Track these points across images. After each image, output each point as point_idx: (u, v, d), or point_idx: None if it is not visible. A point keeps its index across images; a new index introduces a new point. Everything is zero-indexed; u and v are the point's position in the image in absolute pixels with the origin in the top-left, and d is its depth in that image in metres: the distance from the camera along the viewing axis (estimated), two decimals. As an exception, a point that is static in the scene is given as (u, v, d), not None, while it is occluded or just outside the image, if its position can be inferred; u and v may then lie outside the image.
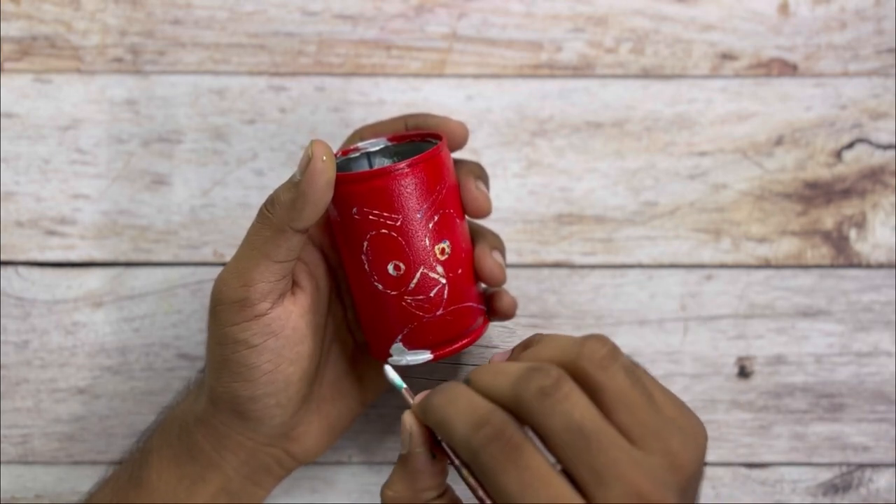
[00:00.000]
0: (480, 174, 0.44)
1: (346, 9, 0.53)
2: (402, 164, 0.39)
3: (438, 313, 0.41)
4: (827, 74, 0.53)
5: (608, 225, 0.52)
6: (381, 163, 0.44)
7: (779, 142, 0.53)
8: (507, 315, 0.45)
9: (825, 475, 0.51)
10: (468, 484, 0.35)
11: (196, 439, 0.43)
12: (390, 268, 0.40)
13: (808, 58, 0.53)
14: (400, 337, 0.41)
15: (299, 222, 0.38)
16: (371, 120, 0.53)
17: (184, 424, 0.44)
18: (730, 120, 0.53)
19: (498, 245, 0.44)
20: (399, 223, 0.40)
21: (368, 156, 0.44)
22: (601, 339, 0.34)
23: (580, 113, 0.53)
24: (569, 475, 0.32)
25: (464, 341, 0.42)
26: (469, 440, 0.33)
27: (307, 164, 0.38)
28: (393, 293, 0.41)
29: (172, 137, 0.53)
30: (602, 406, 0.33)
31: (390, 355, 0.42)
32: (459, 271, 0.41)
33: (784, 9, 0.54)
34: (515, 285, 0.52)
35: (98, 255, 0.52)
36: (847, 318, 0.52)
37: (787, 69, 0.53)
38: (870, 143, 0.53)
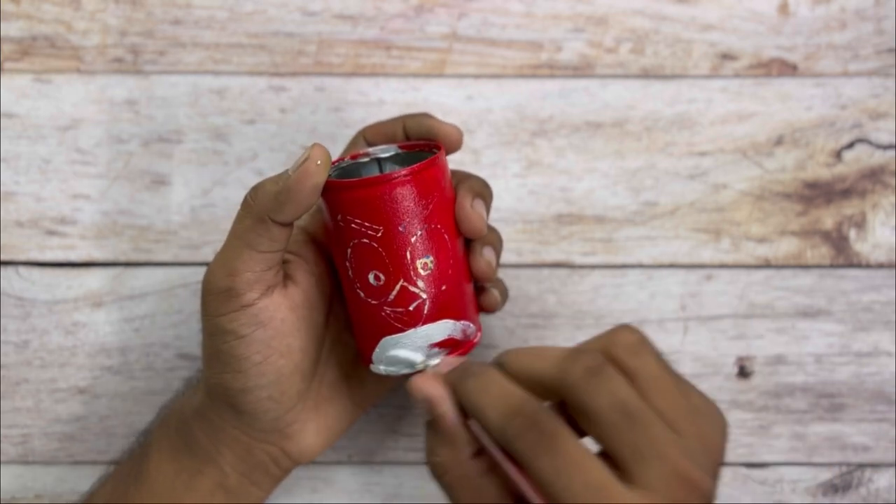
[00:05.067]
0: (480, 192, 0.43)
1: (346, 9, 0.53)
2: (390, 176, 0.39)
3: (420, 327, 0.40)
4: (827, 74, 0.53)
5: (608, 225, 0.52)
6: (391, 170, 0.44)
7: (779, 142, 0.53)
8: (487, 310, 0.45)
9: (825, 475, 0.51)
10: (498, 460, 0.35)
11: (193, 432, 0.44)
12: (371, 277, 0.40)
13: (808, 58, 0.53)
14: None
15: (279, 216, 0.38)
16: (371, 120, 0.53)
17: (182, 417, 0.44)
18: (730, 120, 0.53)
19: (492, 241, 0.43)
20: (380, 234, 0.39)
21: (379, 161, 0.44)
22: (630, 328, 0.36)
23: (580, 113, 0.53)
24: (606, 457, 0.33)
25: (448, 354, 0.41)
26: (504, 429, 0.34)
27: (301, 163, 0.38)
28: (373, 302, 0.41)
29: (172, 137, 0.53)
30: (637, 391, 0.34)
31: (372, 362, 0.42)
32: (443, 288, 0.41)
33: (784, 9, 0.54)
34: (516, 285, 0.52)
35: (98, 255, 0.52)
36: (847, 318, 0.52)
37: (787, 69, 0.53)
38: (870, 143, 0.53)
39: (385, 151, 0.44)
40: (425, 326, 0.40)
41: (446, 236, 0.41)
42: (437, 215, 0.40)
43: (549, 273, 0.52)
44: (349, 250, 0.40)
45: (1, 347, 0.52)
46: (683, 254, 0.52)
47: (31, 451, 0.52)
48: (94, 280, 0.52)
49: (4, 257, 0.52)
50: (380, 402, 0.51)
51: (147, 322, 0.52)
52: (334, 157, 0.44)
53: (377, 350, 0.41)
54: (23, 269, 0.52)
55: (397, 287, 0.40)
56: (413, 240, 0.40)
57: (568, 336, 0.52)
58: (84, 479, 0.50)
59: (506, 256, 0.52)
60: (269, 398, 0.41)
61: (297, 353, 0.42)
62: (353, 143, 0.45)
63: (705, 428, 0.34)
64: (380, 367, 0.42)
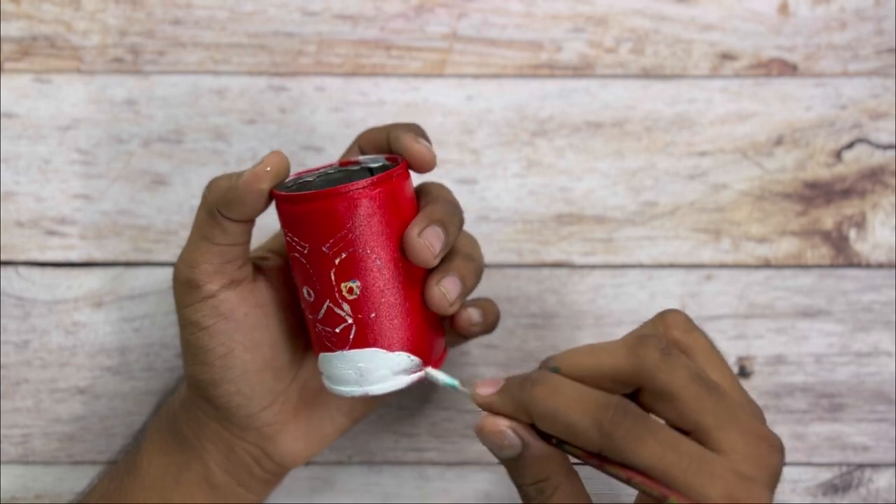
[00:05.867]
0: (440, 219, 0.39)
1: (346, 9, 0.53)
2: (316, 195, 0.38)
3: (347, 351, 0.39)
4: (827, 74, 0.53)
5: (608, 225, 0.52)
6: None
7: (779, 142, 0.53)
8: (459, 332, 0.44)
9: (825, 475, 0.51)
10: (587, 462, 0.35)
11: (179, 425, 0.44)
12: (305, 292, 0.40)
13: (808, 58, 0.53)
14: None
15: (227, 212, 0.39)
16: (371, 120, 0.53)
17: (171, 411, 0.45)
18: (730, 120, 0.53)
19: (457, 270, 0.40)
20: (307, 251, 0.39)
21: (371, 171, 0.43)
22: (677, 310, 0.38)
23: (580, 113, 0.53)
24: (684, 432, 0.35)
25: (383, 384, 0.40)
26: (600, 423, 0.34)
27: (255, 167, 0.39)
28: (310, 316, 0.40)
29: (172, 137, 0.53)
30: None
31: (321, 372, 0.42)
32: (373, 315, 0.39)
33: (784, 9, 0.54)
34: (515, 285, 0.52)
35: (98, 255, 0.52)
36: (847, 318, 0.52)
37: (787, 69, 0.53)
38: (870, 143, 0.53)
39: (374, 161, 0.42)
40: (352, 351, 0.39)
41: (379, 262, 0.39)
42: (370, 239, 0.38)
43: (549, 273, 0.52)
44: (290, 262, 0.41)
45: (1, 347, 0.52)
46: (683, 254, 0.52)
47: (31, 451, 0.52)
48: (94, 280, 0.52)
49: (4, 257, 0.52)
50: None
51: (147, 322, 0.52)
52: (339, 160, 0.44)
53: (318, 363, 0.41)
54: (23, 269, 0.52)
55: (325, 307, 0.39)
56: (337, 262, 0.38)
57: (568, 336, 0.52)
58: (84, 479, 0.50)
59: (506, 256, 0.52)
60: (237, 392, 0.41)
61: (267, 349, 0.42)
62: (350, 149, 0.45)
63: (748, 395, 0.37)
64: (325, 382, 0.41)
